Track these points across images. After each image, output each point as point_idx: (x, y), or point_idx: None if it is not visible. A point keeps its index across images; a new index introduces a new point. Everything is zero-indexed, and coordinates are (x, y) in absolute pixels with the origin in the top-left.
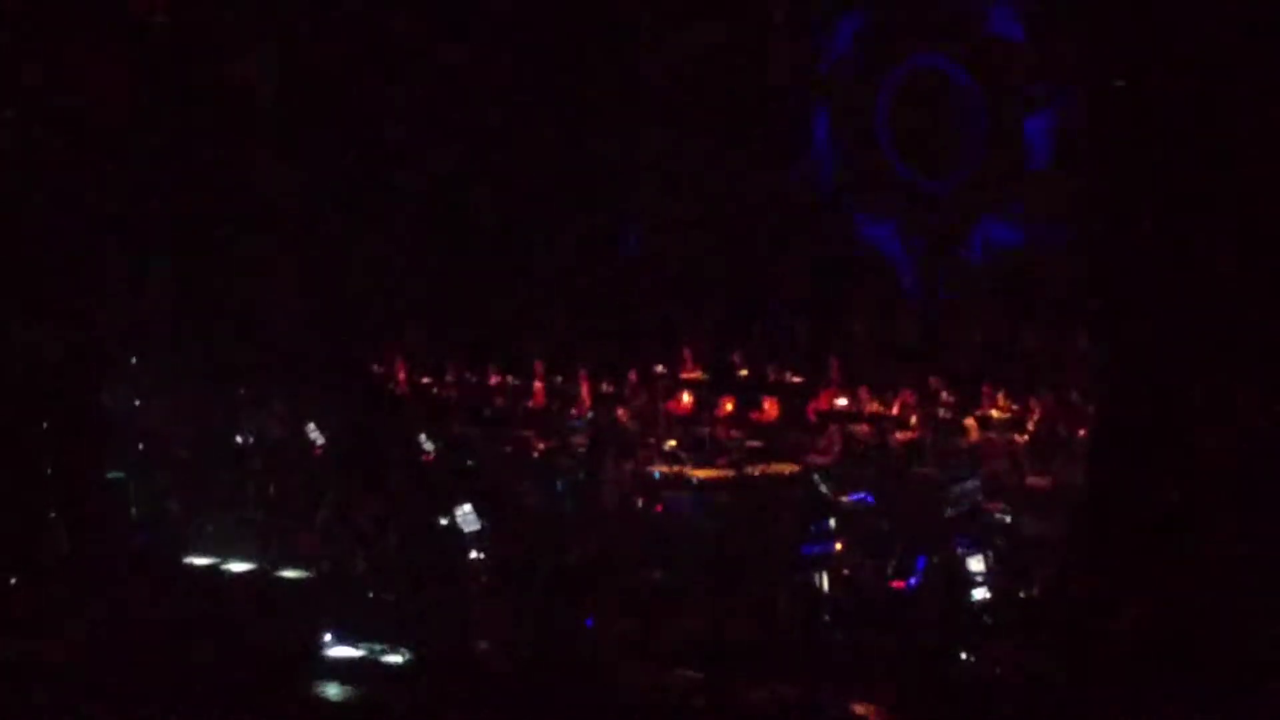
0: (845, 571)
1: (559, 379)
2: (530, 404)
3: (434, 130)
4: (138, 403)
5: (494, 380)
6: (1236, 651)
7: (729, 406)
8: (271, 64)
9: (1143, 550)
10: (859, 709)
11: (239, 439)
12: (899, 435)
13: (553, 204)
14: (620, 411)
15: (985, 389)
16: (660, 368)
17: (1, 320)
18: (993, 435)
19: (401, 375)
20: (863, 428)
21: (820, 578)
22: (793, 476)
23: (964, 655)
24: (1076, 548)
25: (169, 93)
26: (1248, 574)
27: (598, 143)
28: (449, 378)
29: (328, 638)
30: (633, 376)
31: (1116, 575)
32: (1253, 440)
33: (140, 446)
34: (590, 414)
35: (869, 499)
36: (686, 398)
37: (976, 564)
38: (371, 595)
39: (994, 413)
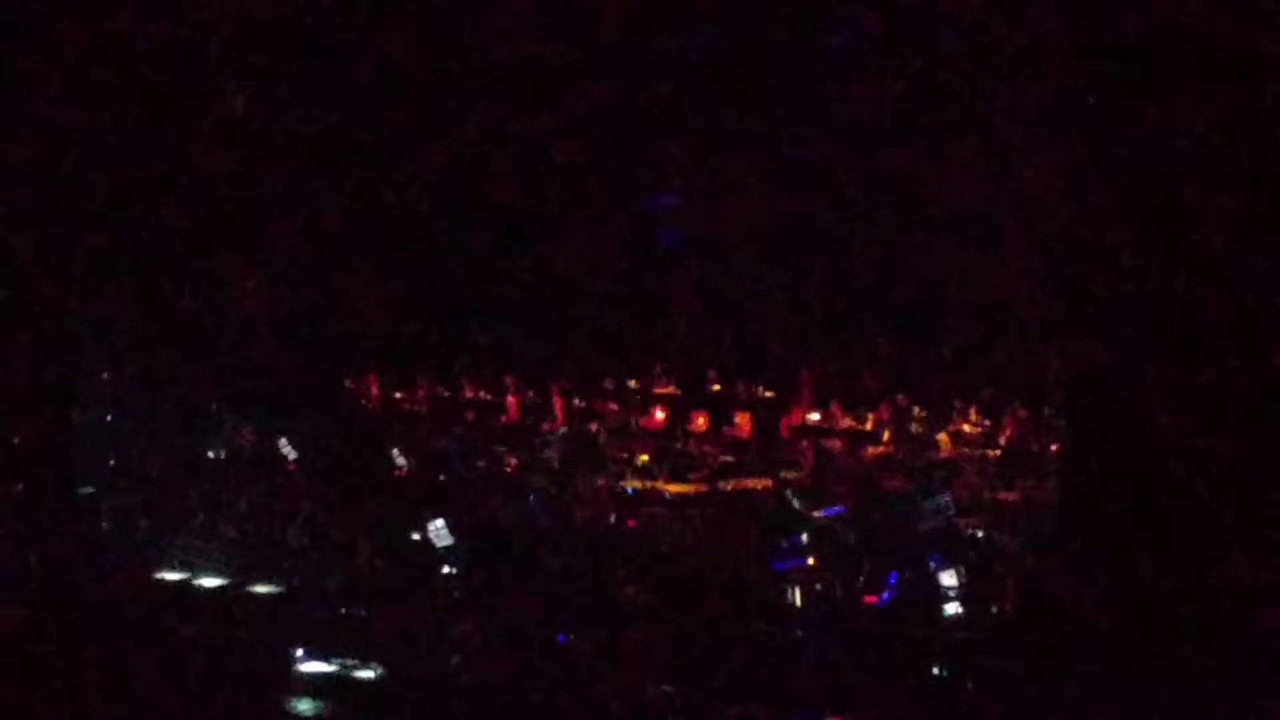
0: (818, 586)
1: (531, 394)
2: (503, 419)
3: (408, 142)
4: (108, 417)
5: (467, 395)
6: (1208, 664)
7: (702, 422)
8: (244, 74)
9: (1114, 564)
10: None
11: (210, 454)
12: (871, 450)
13: (528, 217)
14: (593, 426)
15: (957, 404)
16: (633, 383)
17: None
18: (965, 450)
19: (374, 390)
20: (835, 443)
21: (792, 593)
22: (765, 492)
23: (936, 670)
24: (1048, 562)
25: (142, 102)
26: (1220, 586)
27: (572, 155)
28: (421, 392)
29: (299, 653)
30: (606, 391)
31: (1088, 589)
32: (1225, 455)
33: (111, 461)
34: (563, 429)
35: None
36: (659, 413)
37: (949, 579)
38: (343, 611)
39: (966, 428)
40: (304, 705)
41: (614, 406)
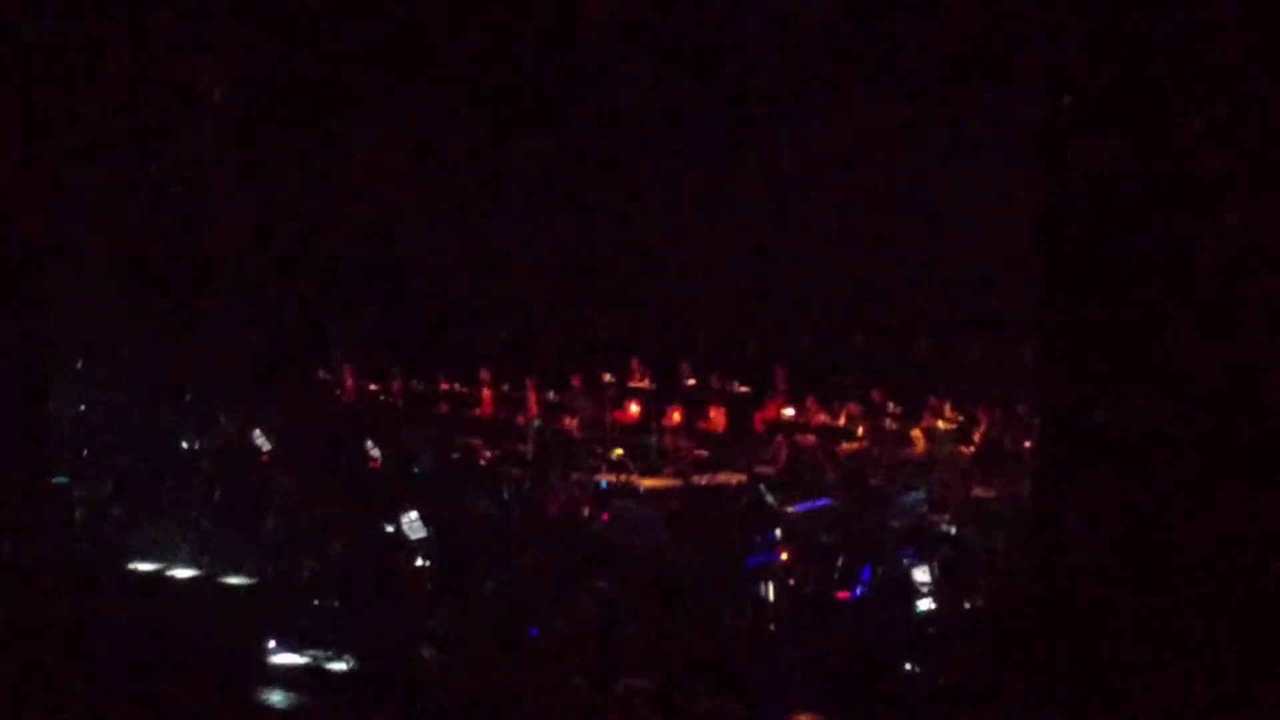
0: (791, 582)
1: (506, 387)
2: (477, 412)
3: (380, 133)
4: (82, 407)
5: (442, 388)
6: (1182, 658)
7: (676, 416)
8: (222, 71)
9: (1087, 561)
10: None
11: (184, 445)
12: (846, 446)
13: (502, 210)
14: (567, 420)
15: (932, 401)
16: (608, 377)
17: None
18: (939, 447)
19: (349, 382)
20: (809, 438)
21: (766, 588)
22: (739, 486)
23: (909, 666)
24: (1021, 559)
25: (120, 96)
26: (1194, 584)
27: (547, 151)
28: (396, 385)
29: (271, 645)
30: (579, 385)
31: (1060, 586)
32: (1199, 451)
33: (84, 451)
34: (537, 422)
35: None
36: (634, 407)
37: (922, 575)
38: (316, 603)
39: (940, 424)
40: (276, 697)
41: (589, 400)
